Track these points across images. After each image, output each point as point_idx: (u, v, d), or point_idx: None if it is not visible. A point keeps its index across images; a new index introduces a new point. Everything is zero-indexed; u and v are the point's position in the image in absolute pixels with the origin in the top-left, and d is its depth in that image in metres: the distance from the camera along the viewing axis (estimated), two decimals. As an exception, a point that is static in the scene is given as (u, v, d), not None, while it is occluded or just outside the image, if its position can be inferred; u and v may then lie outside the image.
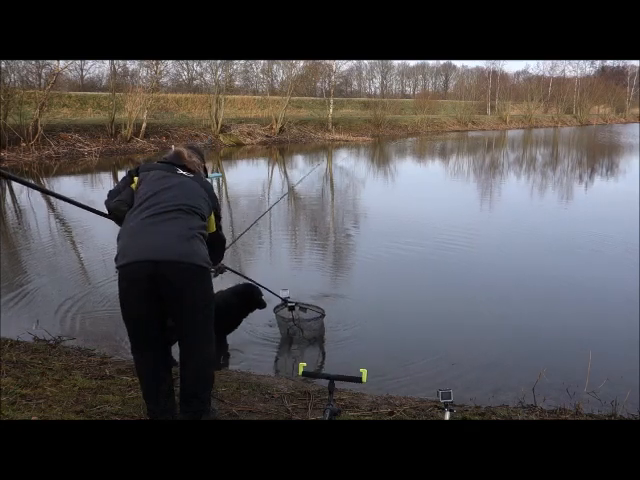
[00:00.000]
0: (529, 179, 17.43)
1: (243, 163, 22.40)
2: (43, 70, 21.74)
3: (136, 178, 2.79)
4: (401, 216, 10.38)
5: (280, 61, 31.85)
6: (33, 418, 2.77)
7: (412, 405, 3.39)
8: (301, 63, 31.44)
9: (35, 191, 12.47)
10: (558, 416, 3.31)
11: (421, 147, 29.50)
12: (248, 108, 35.76)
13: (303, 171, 18.26)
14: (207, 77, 30.99)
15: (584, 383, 3.76)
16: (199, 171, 2.93)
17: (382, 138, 32.50)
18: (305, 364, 2.40)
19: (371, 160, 23.60)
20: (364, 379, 2.26)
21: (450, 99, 54.55)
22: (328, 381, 2.34)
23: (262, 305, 4.48)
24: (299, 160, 23.38)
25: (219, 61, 26.71)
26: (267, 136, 28.41)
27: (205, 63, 29.57)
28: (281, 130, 29.40)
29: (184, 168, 2.84)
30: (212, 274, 3.09)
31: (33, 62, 20.68)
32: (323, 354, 4.67)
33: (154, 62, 24.47)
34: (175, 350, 2.83)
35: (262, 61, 35.79)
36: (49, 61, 21.02)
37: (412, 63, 67.91)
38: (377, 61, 54.77)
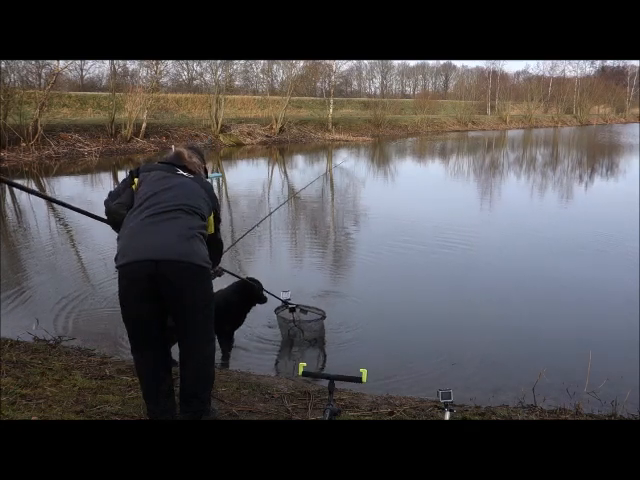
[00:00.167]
0: (529, 179, 17.44)
1: (243, 163, 22.41)
2: (43, 70, 21.78)
3: (137, 179, 2.79)
4: (401, 216, 10.37)
5: (280, 61, 31.89)
6: (33, 418, 2.77)
7: (412, 405, 3.39)
8: (301, 63, 31.48)
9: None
10: (558, 416, 3.31)
11: (421, 147, 29.50)
12: (248, 108, 35.77)
13: (303, 171, 18.28)
14: (207, 77, 31.06)
15: (584, 383, 3.76)
16: (199, 172, 2.93)
17: (382, 138, 32.50)
18: (305, 364, 2.40)
19: (371, 160, 23.60)
20: (364, 379, 2.26)
21: (450, 99, 54.56)
22: (328, 381, 2.34)
23: (263, 300, 4.49)
24: (299, 160, 23.38)
25: (219, 61, 26.77)
26: (267, 136, 28.41)
27: (205, 63, 29.62)
28: (281, 130, 29.41)
29: (184, 169, 2.85)
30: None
31: (33, 62, 20.70)
32: (323, 354, 4.67)
33: (154, 62, 24.48)
34: (175, 350, 2.83)
35: (262, 61, 35.87)
36: (49, 61, 21.07)
37: (412, 63, 68.00)
38: (377, 61, 54.82)
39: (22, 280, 6.44)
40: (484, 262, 7.37)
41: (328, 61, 32.41)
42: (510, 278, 6.72)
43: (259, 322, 5.00)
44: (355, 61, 50.01)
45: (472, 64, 65.00)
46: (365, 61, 55.37)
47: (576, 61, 58.25)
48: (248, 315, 4.57)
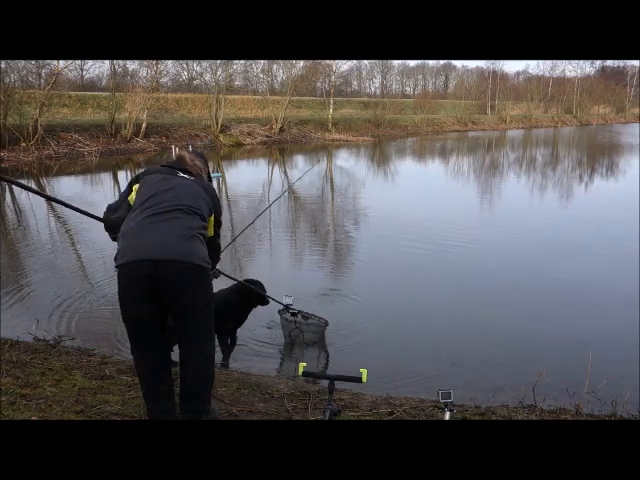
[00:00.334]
0: (529, 179, 17.44)
1: (243, 163, 22.41)
2: (43, 70, 21.78)
3: (135, 187, 2.79)
4: (401, 216, 10.38)
5: (280, 61, 31.88)
6: (33, 418, 2.77)
7: (412, 405, 3.39)
8: (301, 63, 31.46)
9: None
10: (558, 416, 3.31)
11: (421, 147, 29.51)
12: (248, 108, 35.77)
13: (303, 171, 18.28)
14: (207, 77, 31.05)
15: (584, 383, 3.76)
16: (201, 174, 2.93)
17: (382, 138, 32.50)
18: (305, 364, 2.40)
19: (371, 160, 23.60)
20: (364, 379, 2.26)
21: (450, 99, 54.56)
22: (328, 381, 2.34)
23: (264, 301, 4.47)
24: (299, 160, 23.38)
25: (219, 61, 26.76)
26: (267, 136, 28.41)
27: (205, 63, 29.60)
28: (281, 130, 29.41)
29: (185, 172, 2.85)
30: None
31: (33, 62, 20.71)
32: (324, 354, 4.67)
33: (154, 62, 24.48)
34: (175, 350, 2.83)
35: (262, 61, 35.86)
36: (49, 61, 21.07)
37: (412, 63, 67.96)
38: (377, 61, 54.79)
39: (22, 279, 6.44)
40: (484, 262, 7.37)
41: (328, 61, 32.45)
42: (510, 278, 6.72)
43: (259, 323, 5.00)
44: (355, 61, 50.05)
45: (472, 64, 65.05)
46: (365, 61, 55.44)
47: (576, 61, 58.33)
48: (248, 316, 4.56)
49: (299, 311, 4.73)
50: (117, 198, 2.94)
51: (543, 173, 18.86)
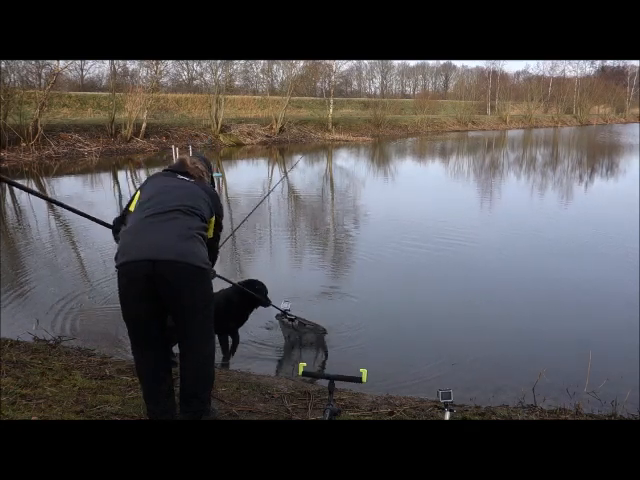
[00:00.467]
0: (529, 179, 17.43)
1: (243, 163, 22.41)
2: (43, 70, 21.76)
3: (138, 193, 2.80)
4: (401, 216, 10.38)
5: (280, 61, 31.88)
6: (33, 418, 2.77)
7: (412, 405, 3.39)
8: (301, 63, 31.44)
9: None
10: (558, 416, 3.31)
11: (421, 147, 29.50)
12: (248, 108, 35.77)
13: (303, 171, 18.28)
14: (207, 77, 31.05)
15: (584, 383, 3.76)
16: (202, 176, 2.94)
17: (382, 138, 32.50)
18: (305, 364, 2.40)
19: (371, 160, 23.60)
20: (364, 379, 2.26)
21: (450, 99, 54.54)
22: (328, 381, 2.34)
23: (265, 303, 4.45)
24: (299, 160, 23.36)
25: (219, 61, 26.75)
26: (267, 136, 28.41)
27: (205, 63, 29.61)
28: (281, 130, 29.41)
29: (186, 174, 2.86)
30: None
31: (33, 62, 20.69)
32: (324, 355, 4.67)
33: (154, 62, 24.48)
34: (175, 350, 2.83)
35: (262, 61, 35.87)
36: (49, 61, 21.06)
37: (412, 63, 67.93)
38: (377, 61, 54.79)
39: (22, 279, 6.44)
40: (484, 262, 7.37)
41: (328, 61, 32.44)
42: (510, 278, 6.72)
43: (259, 323, 4.99)
44: (355, 61, 50.04)
45: (472, 64, 65.03)
46: (365, 61, 55.44)
47: (576, 61, 58.31)
48: (253, 310, 4.53)
49: (296, 317, 4.69)
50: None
51: (543, 173, 18.85)
